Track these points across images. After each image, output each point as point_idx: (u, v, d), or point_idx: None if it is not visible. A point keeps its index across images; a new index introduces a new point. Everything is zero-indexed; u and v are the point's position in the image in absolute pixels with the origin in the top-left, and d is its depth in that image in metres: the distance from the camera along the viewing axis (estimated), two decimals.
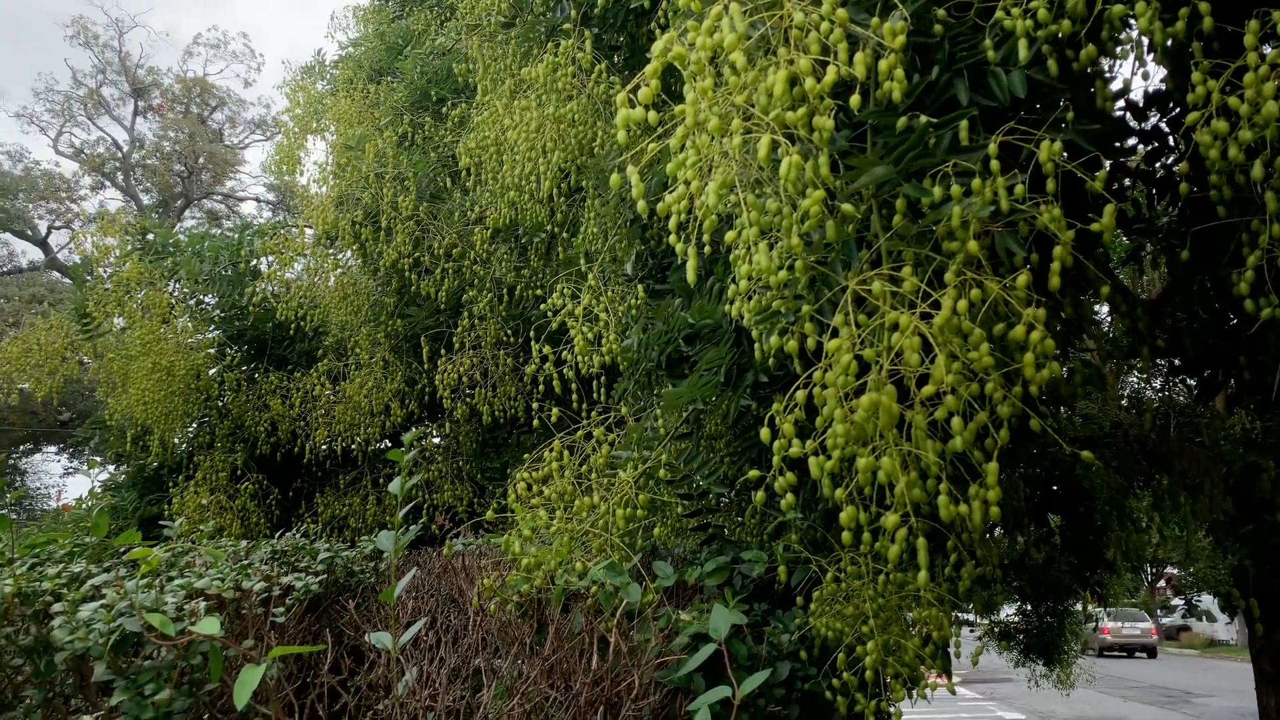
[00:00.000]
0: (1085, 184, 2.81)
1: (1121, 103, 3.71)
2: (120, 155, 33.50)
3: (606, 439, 4.29)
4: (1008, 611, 10.98)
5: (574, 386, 4.97)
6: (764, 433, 2.66)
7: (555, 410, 4.34)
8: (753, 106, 2.66)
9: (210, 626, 2.72)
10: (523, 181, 5.09)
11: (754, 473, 2.92)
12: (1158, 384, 7.70)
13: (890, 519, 2.42)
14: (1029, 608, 10.20)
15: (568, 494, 4.02)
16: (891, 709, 3.75)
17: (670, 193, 2.75)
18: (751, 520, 4.52)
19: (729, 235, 2.66)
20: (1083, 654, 11.69)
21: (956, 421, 2.36)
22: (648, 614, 3.40)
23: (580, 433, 4.26)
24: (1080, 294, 3.35)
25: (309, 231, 8.53)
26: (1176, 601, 41.46)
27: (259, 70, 50.69)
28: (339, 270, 8.19)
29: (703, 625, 3.34)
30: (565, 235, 5.81)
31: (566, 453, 4.18)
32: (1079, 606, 11.72)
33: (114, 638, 2.76)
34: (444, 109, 8.18)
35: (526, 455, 4.22)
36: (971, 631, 12.64)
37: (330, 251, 8.41)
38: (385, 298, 7.83)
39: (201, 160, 34.35)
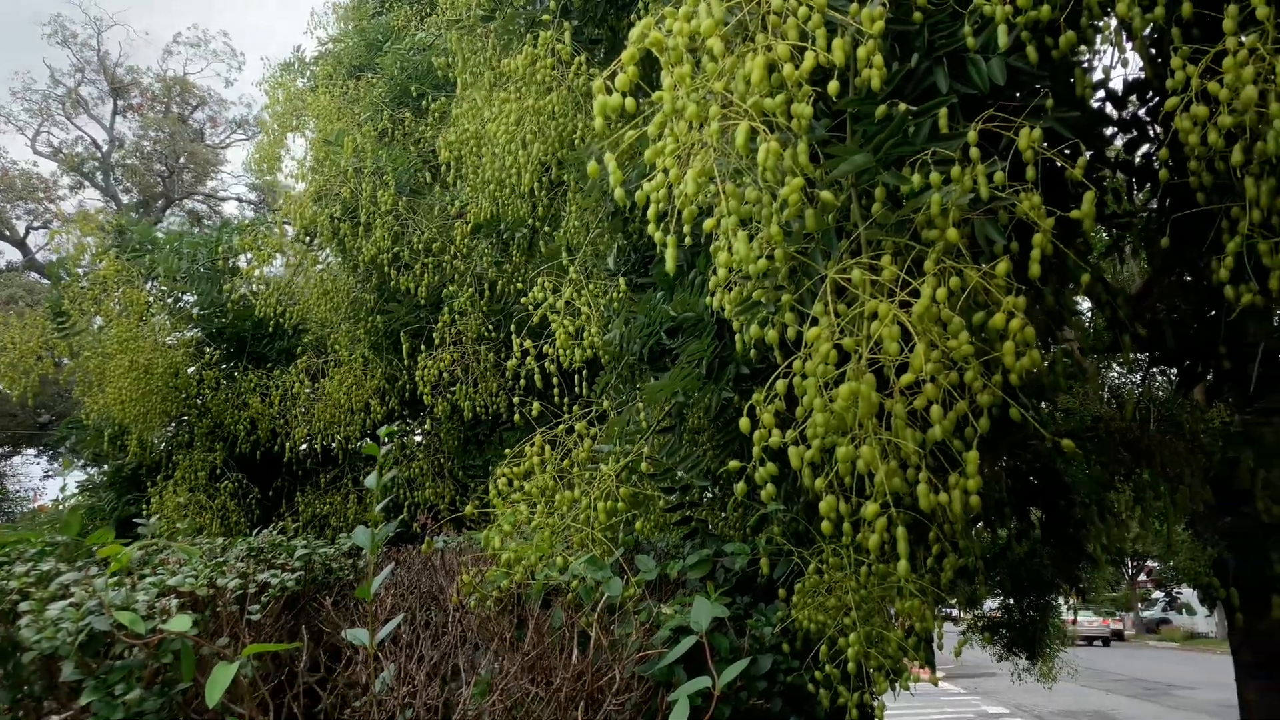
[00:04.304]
0: (1065, 173, 2.81)
1: (1101, 93, 3.71)
2: (100, 155, 33.18)
3: (588, 433, 4.26)
4: (991, 605, 11.02)
5: (555, 381, 4.94)
6: (743, 422, 2.63)
7: (536, 405, 4.31)
8: (731, 94, 2.63)
9: (181, 624, 2.68)
10: (503, 175, 5.05)
11: (735, 464, 2.89)
12: (1138, 378, 7.73)
13: (870, 508, 2.39)
14: (1011, 602, 10.25)
15: (549, 489, 3.99)
16: (875, 702, 3.75)
17: (649, 181, 2.72)
18: (734, 514, 4.50)
19: (708, 224, 2.63)
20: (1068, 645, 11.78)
21: (935, 410, 2.34)
22: (629, 608, 3.37)
23: (562, 427, 4.23)
24: (1061, 284, 3.35)
25: (289, 229, 8.45)
26: (1157, 595, 41.93)
27: (240, 69, 50.39)
28: (318, 266, 8.12)
29: (684, 618, 3.32)
30: (547, 230, 5.77)
31: (548, 447, 4.15)
32: (1060, 600, 11.79)
33: (82, 637, 2.71)
34: (424, 104, 8.12)
35: (508, 451, 4.18)
36: (955, 626, 12.71)
37: (309, 249, 8.34)
38: (365, 294, 7.77)
39: (182, 160, 34.02)
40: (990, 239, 2.73)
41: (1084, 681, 19.55)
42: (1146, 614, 43.45)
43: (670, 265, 2.69)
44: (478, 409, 7.06)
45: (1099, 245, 7.14)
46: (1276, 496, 4.77)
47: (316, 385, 8.08)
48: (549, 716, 3.09)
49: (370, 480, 3.21)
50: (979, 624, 10.87)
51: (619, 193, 2.64)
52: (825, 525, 2.50)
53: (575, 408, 4.35)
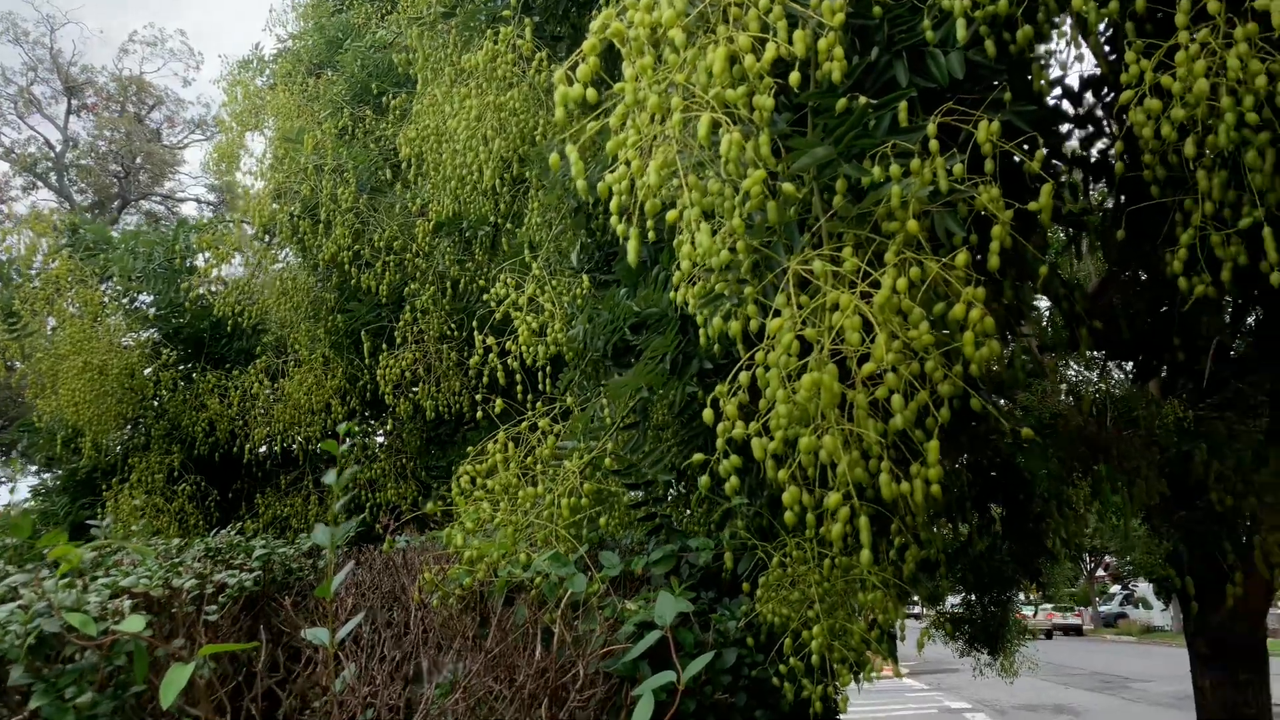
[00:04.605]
0: (1023, 167, 2.84)
1: (1058, 90, 3.76)
2: (53, 155, 32.48)
3: (552, 430, 4.23)
4: (953, 602, 11.15)
5: (519, 379, 4.91)
6: (707, 414, 2.63)
7: (500, 402, 4.28)
8: (693, 85, 2.63)
9: (134, 625, 2.62)
10: (464, 172, 5.01)
11: (698, 457, 2.89)
12: (1095, 376, 7.87)
13: (833, 498, 2.40)
14: (973, 598, 10.36)
15: (512, 486, 3.96)
16: (838, 695, 3.76)
17: (611, 173, 2.71)
18: (699, 509, 4.50)
19: (670, 215, 2.63)
20: (1034, 639, 11.95)
21: (897, 399, 2.35)
22: (593, 604, 3.36)
23: (525, 424, 4.20)
24: (1020, 278, 3.38)
25: (248, 228, 8.32)
26: (1115, 589, 42.67)
27: (198, 69, 49.48)
28: (278, 265, 8.00)
29: (648, 614, 3.31)
30: (509, 227, 5.74)
31: (511, 444, 4.12)
32: (1021, 595, 11.95)
33: (31, 639, 2.64)
34: (385, 102, 8.05)
35: (470, 449, 4.15)
36: (919, 622, 12.82)
37: (269, 247, 8.22)
38: (325, 293, 7.67)
39: (139, 160, 33.38)
40: (950, 231, 2.75)
41: (1043, 676, 19.85)
42: (1104, 609, 44.15)
43: (632, 258, 2.68)
44: (440, 408, 7.00)
45: (1056, 245, 7.25)
46: (1230, 488, 4.86)
47: (276, 385, 7.97)
48: (513, 714, 3.06)
49: (329, 477, 3.16)
50: (941, 619, 10.98)
51: (581, 184, 2.63)
52: (788, 516, 2.50)
53: (539, 405, 4.32)
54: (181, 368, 8.73)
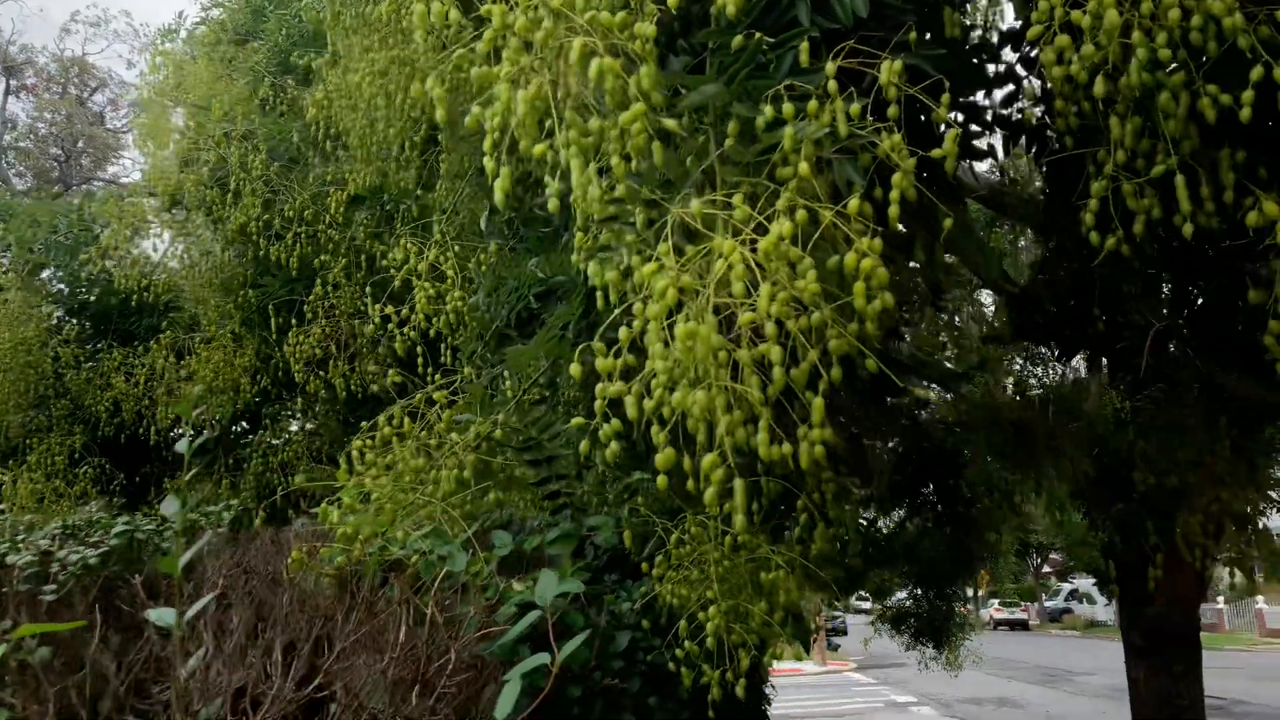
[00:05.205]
0: (932, 119, 2.66)
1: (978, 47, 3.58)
2: None
3: (449, 403, 3.98)
4: (899, 596, 11.15)
5: (420, 351, 4.63)
6: (574, 368, 2.40)
7: (394, 373, 4.02)
8: (571, 13, 2.40)
9: None
10: (369, 132, 4.73)
11: (578, 420, 2.66)
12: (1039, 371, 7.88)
13: (708, 459, 2.18)
14: (919, 592, 10.35)
15: (403, 461, 3.71)
16: (768, 690, 3.55)
17: (480, 105, 2.47)
18: (613, 488, 4.29)
19: (538, 149, 2.39)
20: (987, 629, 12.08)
21: (775, 352, 2.13)
22: (473, 584, 3.11)
23: (420, 397, 3.94)
24: (930, 236, 3.19)
25: (154, 199, 7.91)
26: (1058, 585, 43.38)
27: (143, 50, 48.20)
28: (188, 237, 7.61)
29: (532, 594, 3.07)
30: (420, 192, 5.46)
31: (406, 419, 3.86)
32: (968, 591, 11.95)
33: None
34: (309, 73, 7.71)
35: (364, 424, 3.90)
36: (868, 616, 12.79)
37: (177, 219, 7.82)
38: (240, 268, 7.31)
39: (80, 144, 32.43)
40: (850, 180, 2.55)
41: (988, 669, 19.90)
42: (1050, 604, 44.78)
43: (500, 198, 2.45)
44: (354, 388, 6.69)
45: (997, 241, 7.17)
46: (1154, 467, 4.76)
47: (183, 363, 7.58)
48: (378, 700, 2.81)
49: (180, 445, 2.90)
50: (887, 613, 10.98)
51: (440, 113, 2.40)
52: (661, 480, 2.28)
53: (437, 377, 4.07)
54: (86, 346, 8.30)
